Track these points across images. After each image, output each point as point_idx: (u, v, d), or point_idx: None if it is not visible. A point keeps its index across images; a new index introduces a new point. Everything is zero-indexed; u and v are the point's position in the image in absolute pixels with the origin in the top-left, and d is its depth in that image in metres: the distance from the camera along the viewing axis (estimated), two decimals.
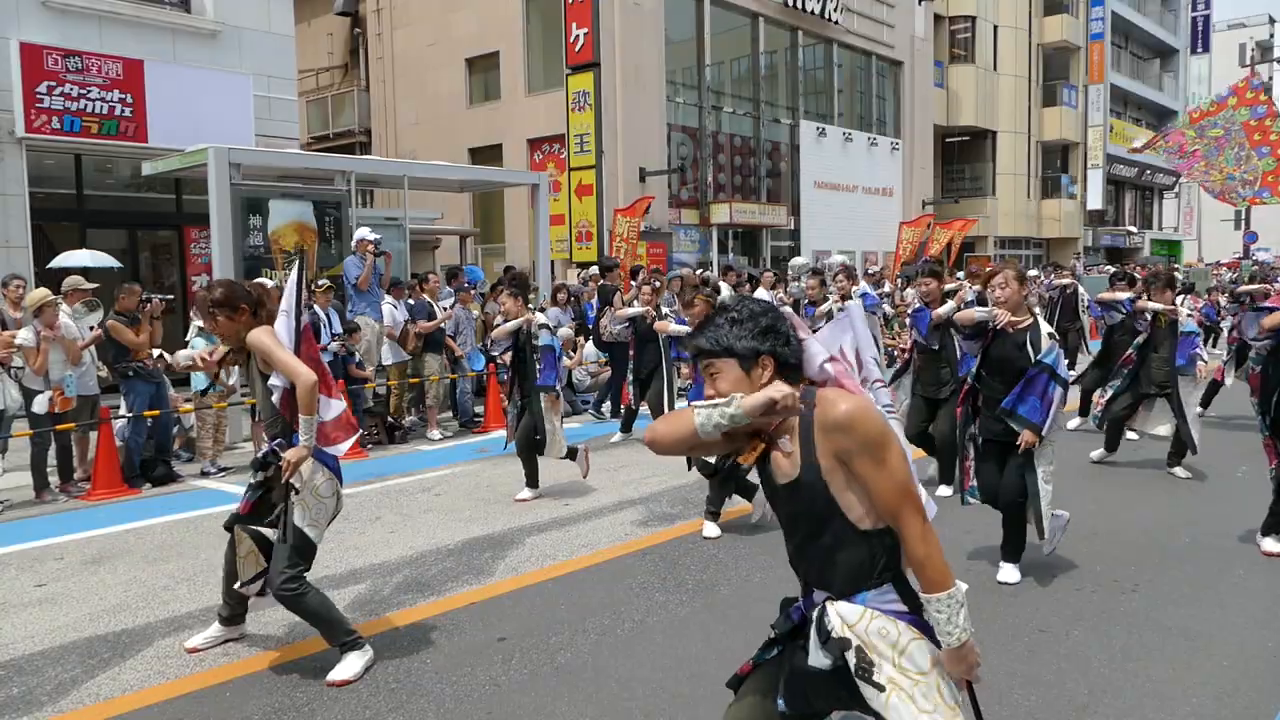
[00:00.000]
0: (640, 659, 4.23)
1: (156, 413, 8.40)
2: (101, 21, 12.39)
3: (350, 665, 4.06)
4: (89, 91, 11.97)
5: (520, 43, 21.79)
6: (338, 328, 9.50)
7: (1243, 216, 36.23)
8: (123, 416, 8.22)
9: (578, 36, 19.78)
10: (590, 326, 12.71)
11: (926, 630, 2.23)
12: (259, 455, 4.29)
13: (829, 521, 2.23)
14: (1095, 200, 38.83)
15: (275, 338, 4.07)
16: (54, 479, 7.90)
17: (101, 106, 12.07)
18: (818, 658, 2.24)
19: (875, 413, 2.20)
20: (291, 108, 14.84)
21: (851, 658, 2.21)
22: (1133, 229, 44.09)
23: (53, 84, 11.69)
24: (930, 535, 2.18)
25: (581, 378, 12.07)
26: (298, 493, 4.04)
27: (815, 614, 2.28)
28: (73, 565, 5.90)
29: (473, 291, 11.92)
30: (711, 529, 6.13)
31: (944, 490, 6.90)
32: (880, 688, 2.18)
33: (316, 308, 9.41)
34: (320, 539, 4.17)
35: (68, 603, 5.18)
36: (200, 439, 8.77)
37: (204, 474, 8.51)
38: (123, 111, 12.25)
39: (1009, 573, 5.15)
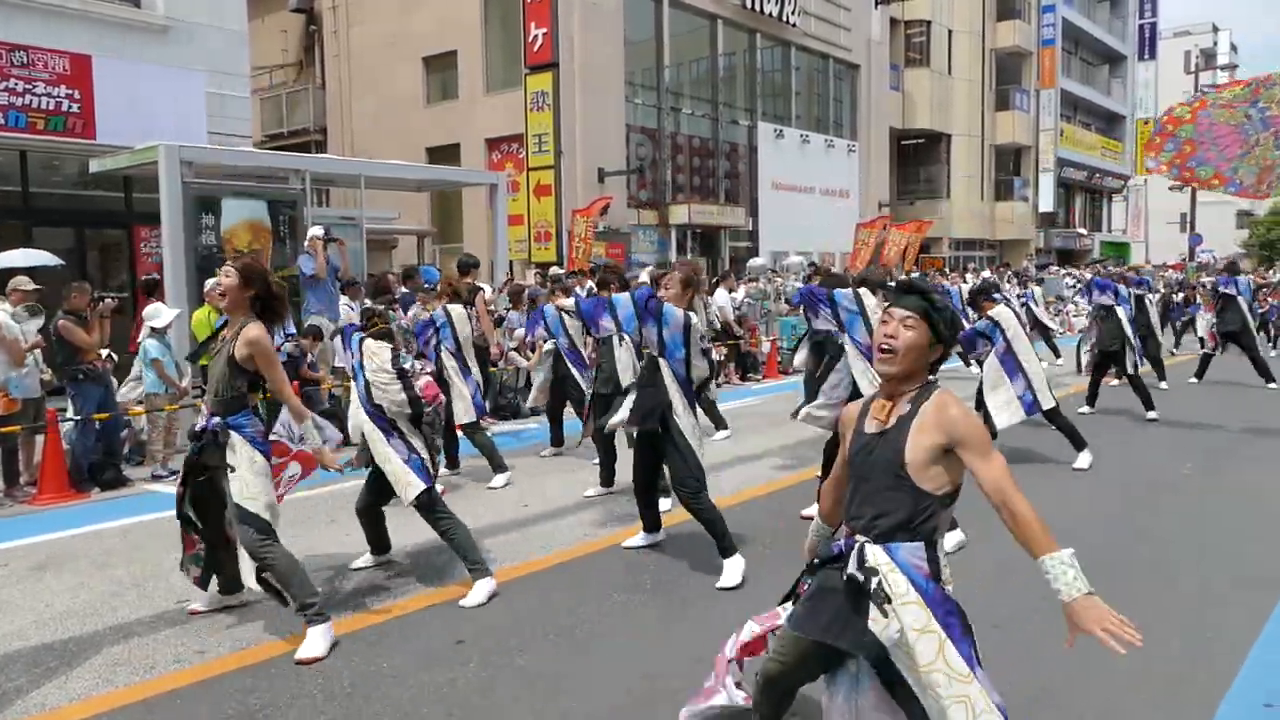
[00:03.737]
0: (600, 660, 4.23)
1: (107, 416, 8.23)
2: (47, 15, 12.11)
3: (316, 643, 4.25)
4: (35, 86, 11.69)
5: (479, 42, 21.68)
6: (291, 328, 9.38)
7: (1188, 219, 37.06)
8: (70, 419, 8.05)
9: (536, 36, 19.73)
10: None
11: (930, 601, 2.59)
12: (195, 428, 4.55)
13: (894, 472, 2.63)
14: (1047, 203, 39.55)
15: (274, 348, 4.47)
16: None
17: (48, 102, 11.80)
18: (855, 569, 2.64)
19: (979, 420, 2.71)
20: (245, 105, 14.62)
21: (874, 583, 2.60)
22: (1083, 231, 44.92)
23: None
24: (1030, 511, 2.53)
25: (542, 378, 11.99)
26: (234, 471, 4.37)
27: (856, 547, 2.68)
28: (18, 572, 5.77)
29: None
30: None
31: None
32: (885, 614, 2.59)
33: None
34: (268, 511, 4.43)
35: (13, 610, 5.06)
36: (150, 441, 8.61)
37: (154, 477, 8.36)
38: (70, 107, 11.99)
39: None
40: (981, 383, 8.13)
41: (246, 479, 4.38)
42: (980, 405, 7.96)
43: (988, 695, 2.55)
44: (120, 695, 3.96)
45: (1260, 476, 7.73)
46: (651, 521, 5.89)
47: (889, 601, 2.56)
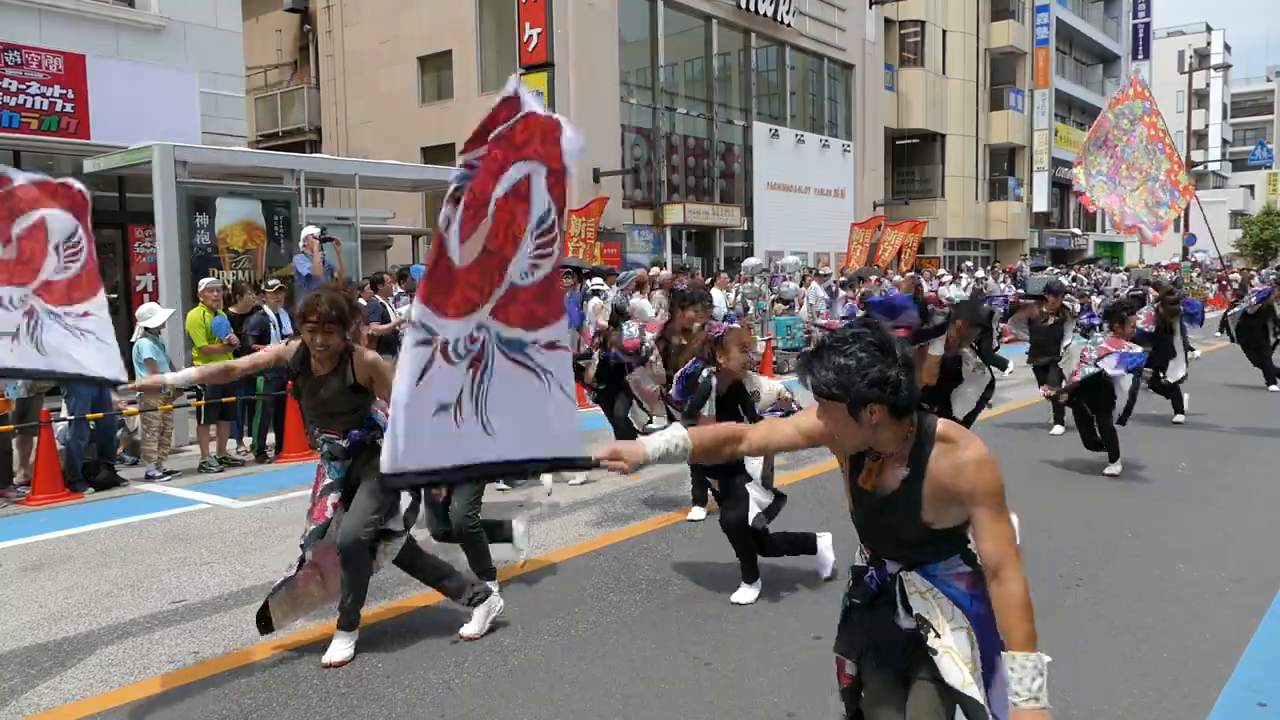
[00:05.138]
0: (594, 660, 4.23)
1: (99, 415, 8.21)
2: (42, 15, 12.08)
3: (477, 621, 4.48)
4: (28, 86, 11.66)
5: (473, 41, 21.68)
6: (288, 329, 9.37)
7: (1181, 220, 37.15)
8: (64, 419, 8.03)
9: (531, 36, 19.73)
10: None
11: (975, 621, 2.39)
12: (341, 443, 4.36)
13: (911, 525, 2.38)
14: (1041, 202, 39.64)
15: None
16: None
17: (41, 102, 11.77)
18: (906, 620, 2.44)
19: (995, 465, 2.32)
20: (239, 105, 14.59)
21: (911, 621, 2.42)
22: (1077, 231, 45.01)
23: None
24: (1024, 593, 2.28)
25: None
26: None
27: (895, 584, 2.46)
28: (11, 572, 5.76)
29: None
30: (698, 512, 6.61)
31: None
32: (935, 651, 2.39)
33: (266, 308, 9.28)
34: None
35: (7, 610, 5.05)
36: (145, 442, 8.59)
37: (149, 478, 8.34)
38: (64, 107, 11.96)
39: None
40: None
41: None
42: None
43: None
44: (115, 696, 3.95)
45: (1258, 476, 7.74)
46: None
47: (939, 637, 2.39)
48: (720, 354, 5.02)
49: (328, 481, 4.39)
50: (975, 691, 2.34)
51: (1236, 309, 12.72)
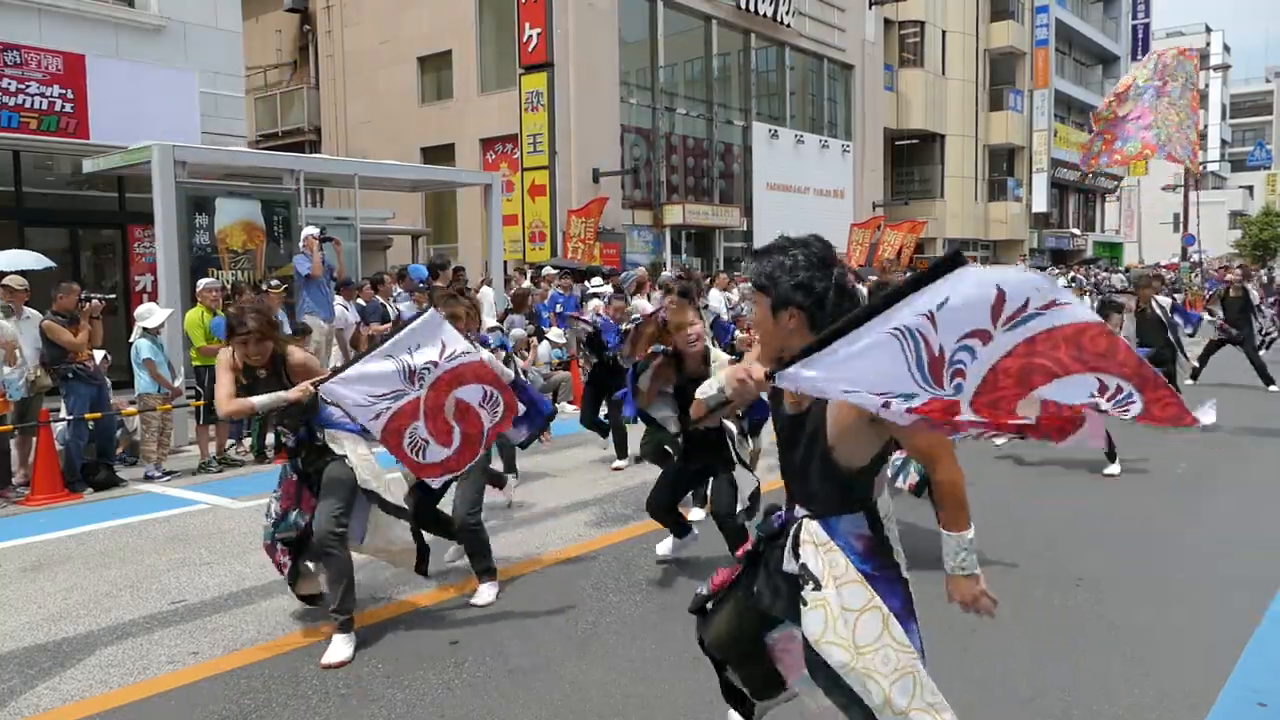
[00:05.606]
0: (594, 660, 4.22)
1: (98, 415, 8.21)
2: (41, 15, 12.08)
3: (487, 592, 4.94)
4: (28, 86, 11.66)
5: (473, 41, 21.69)
6: (288, 329, 9.36)
7: (1181, 220, 37.18)
8: (63, 419, 8.03)
9: (531, 36, 19.73)
10: (544, 328, 12.67)
11: (873, 579, 2.42)
12: (289, 443, 4.57)
13: (818, 455, 2.43)
14: (1040, 203, 39.66)
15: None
16: None
17: (41, 102, 11.77)
18: (790, 563, 2.51)
19: None
20: (239, 105, 14.60)
21: (795, 566, 2.48)
22: (1076, 231, 45.03)
23: None
24: (960, 483, 2.38)
25: (534, 378, 12.02)
26: (347, 458, 4.41)
27: (794, 527, 2.52)
28: (11, 572, 5.75)
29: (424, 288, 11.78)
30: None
31: None
32: (805, 602, 2.44)
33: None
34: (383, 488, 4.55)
35: (6, 611, 5.04)
36: (145, 442, 8.58)
37: (148, 478, 8.33)
38: (63, 107, 11.96)
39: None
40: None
41: (363, 455, 4.48)
42: None
43: (932, 682, 2.38)
44: (114, 697, 3.94)
45: (1258, 476, 7.75)
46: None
47: (819, 588, 2.40)
48: (665, 338, 5.00)
49: (294, 478, 4.57)
50: (827, 651, 2.36)
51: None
